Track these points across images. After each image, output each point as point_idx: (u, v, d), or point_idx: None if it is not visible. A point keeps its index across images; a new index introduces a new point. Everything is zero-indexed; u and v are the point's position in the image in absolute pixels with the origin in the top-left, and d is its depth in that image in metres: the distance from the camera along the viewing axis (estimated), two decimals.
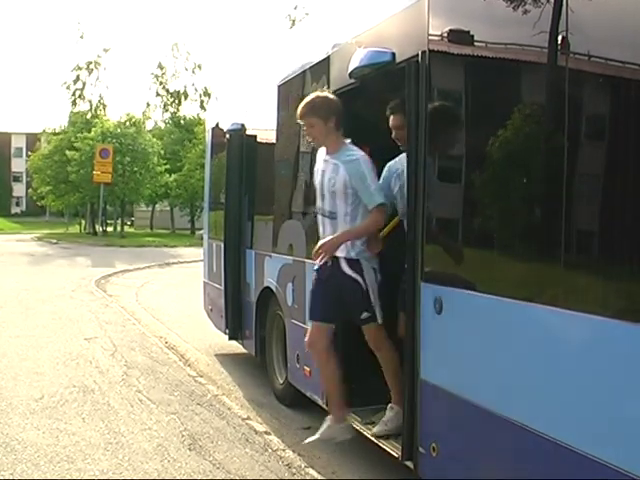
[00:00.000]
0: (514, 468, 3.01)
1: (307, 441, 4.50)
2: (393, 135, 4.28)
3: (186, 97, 43.53)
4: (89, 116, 38.45)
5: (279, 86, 5.90)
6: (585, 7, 2.62)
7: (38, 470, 4.26)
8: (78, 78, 40.84)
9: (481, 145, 3.23)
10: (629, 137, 2.48)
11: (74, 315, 10.02)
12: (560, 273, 2.77)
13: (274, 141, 6.13)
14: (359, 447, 4.60)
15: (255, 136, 6.65)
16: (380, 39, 4.12)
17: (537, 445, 2.78)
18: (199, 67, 43.76)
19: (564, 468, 2.68)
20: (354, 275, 4.18)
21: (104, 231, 33.91)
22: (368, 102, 4.76)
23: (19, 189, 66.16)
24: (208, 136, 8.55)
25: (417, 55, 3.62)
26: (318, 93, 4.37)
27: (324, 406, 4.84)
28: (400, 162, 4.30)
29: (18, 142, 65.83)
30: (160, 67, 43.88)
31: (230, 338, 7.20)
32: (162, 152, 35.65)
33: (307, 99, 4.32)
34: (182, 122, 42.17)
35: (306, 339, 4.41)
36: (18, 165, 64.28)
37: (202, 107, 42.13)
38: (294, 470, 4.35)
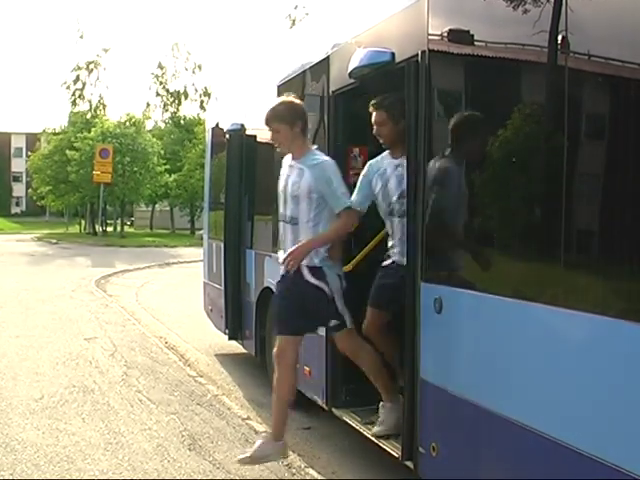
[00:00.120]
0: (514, 468, 3.01)
1: (239, 458, 4.21)
2: (374, 131, 4.24)
3: (186, 97, 43.50)
4: (89, 116, 38.37)
5: (279, 86, 5.89)
6: (585, 7, 2.63)
7: (38, 470, 4.26)
8: (78, 78, 40.81)
9: (481, 145, 3.23)
10: (629, 137, 2.48)
11: (74, 315, 10.02)
12: (560, 273, 2.77)
13: None
14: (359, 447, 4.60)
15: (255, 136, 6.64)
16: (380, 39, 4.12)
17: (537, 445, 2.78)
18: (199, 67, 43.75)
19: (564, 468, 2.68)
20: (317, 283, 4.07)
21: (104, 231, 33.89)
22: (368, 102, 4.76)
23: (19, 189, 66.10)
24: (208, 136, 8.54)
25: (417, 55, 3.62)
26: (284, 98, 4.31)
27: (324, 406, 4.84)
28: (382, 161, 4.27)
29: (18, 142, 65.78)
30: (160, 67, 43.85)
31: (230, 338, 7.19)
32: (162, 152, 35.60)
33: (272, 105, 4.24)
34: (182, 122, 42.15)
35: (274, 350, 4.23)
36: (18, 165, 64.24)
37: (202, 107, 42.08)
38: (294, 470, 4.35)
